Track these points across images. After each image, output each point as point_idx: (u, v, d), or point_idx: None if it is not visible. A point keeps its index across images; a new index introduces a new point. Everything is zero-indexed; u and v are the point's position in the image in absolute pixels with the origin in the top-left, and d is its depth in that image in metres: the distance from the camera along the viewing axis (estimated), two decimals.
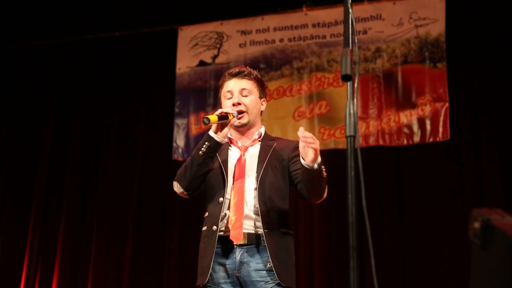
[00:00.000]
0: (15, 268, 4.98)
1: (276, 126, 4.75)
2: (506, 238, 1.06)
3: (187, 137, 5.01)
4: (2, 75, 5.61)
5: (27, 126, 5.41)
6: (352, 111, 1.60)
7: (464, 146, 4.44)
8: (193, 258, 4.60)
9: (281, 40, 4.97)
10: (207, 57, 5.12)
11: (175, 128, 5.03)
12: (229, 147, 2.52)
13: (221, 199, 2.39)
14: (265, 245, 2.32)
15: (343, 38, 1.72)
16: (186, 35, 5.20)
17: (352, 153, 1.57)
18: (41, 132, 5.32)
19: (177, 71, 5.14)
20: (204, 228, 2.44)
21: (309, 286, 4.42)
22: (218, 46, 5.11)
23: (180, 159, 4.88)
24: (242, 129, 2.53)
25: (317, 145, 2.17)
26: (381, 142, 4.55)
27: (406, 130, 4.52)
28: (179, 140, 5.01)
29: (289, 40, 4.95)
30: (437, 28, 4.59)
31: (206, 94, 5.04)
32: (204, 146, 2.38)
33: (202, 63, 5.12)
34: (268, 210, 2.36)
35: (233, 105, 2.47)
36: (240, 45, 5.06)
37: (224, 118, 2.38)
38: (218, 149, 2.41)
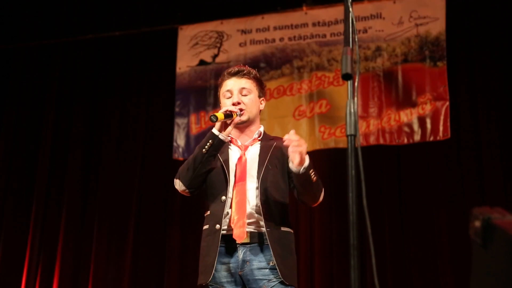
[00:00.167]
0: (15, 267, 4.98)
1: (276, 125, 4.74)
2: (506, 237, 1.06)
3: (187, 136, 5.01)
4: (2, 75, 5.61)
5: (27, 125, 5.41)
6: (352, 110, 1.60)
7: (464, 145, 4.44)
8: (193, 257, 4.61)
9: (281, 39, 4.96)
10: (207, 56, 5.12)
11: (176, 128, 5.03)
12: (229, 146, 2.53)
13: (223, 197, 2.39)
14: (268, 244, 2.33)
15: (343, 37, 1.72)
16: (186, 34, 5.20)
17: (353, 152, 1.57)
18: (41, 131, 5.32)
19: (177, 70, 5.14)
20: (206, 226, 2.44)
21: (310, 285, 4.42)
22: (218, 45, 5.11)
23: (181, 158, 4.88)
24: (241, 127, 2.53)
25: (303, 148, 2.19)
26: (381, 141, 4.55)
27: (406, 129, 4.52)
28: (180, 140, 5.01)
29: (289, 39, 4.95)
30: (437, 26, 4.59)
31: (206, 93, 5.04)
32: (208, 144, 2.38)
33: (202, 63, 5.12)
34: (270, 209, 2.37)
35: (233, 104, 2.48)
36: (240, 44, 5.06)
37: (229, 117, 2.39)
38: (221, 147, 2.42)
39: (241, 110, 2.47)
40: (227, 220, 2.37)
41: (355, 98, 1.62)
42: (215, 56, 5.10)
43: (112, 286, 4.83)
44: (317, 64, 4.85)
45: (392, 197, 4.48)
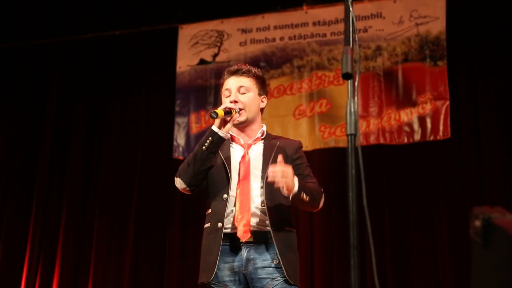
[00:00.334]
0: (15, 267, 4.98)
1: (276, 125, 4.74)
2: (507, 236, 1.06)
3: (187, 135, 5.01)
4: (2, 74, 5.61)
5: (27, 124, 5.41)
6: (352, 110, 1.60)
7: (464, 144, 4.43)
8: (193, 257, 4.61)
9: (282, 39, 4.96)
10: (207, 55, 5.12)
11: (176, 127, 5.03)
12: (231, 144, 2.53)
13: (225, 196, 2.39)
14: (272, 242, 2.33)
15: (343, 36, 1.71)
16: (187, 33, 5.20)
17: (353, 151, 1.57)
18: (42, 130, 5.33)
19: (178, 69, 5.14)
20: (207, 225, 2.44)
21: (310, 284, 4.42)
22: (219, 44, 5.11)
23: (181, 157, 4.88)
24: (242, 126, 2.53)
25: (288, 179, 2.21)
26: (381, 141, 4.55)
27: (406, 128, 4.51)
28: (180, 139, 5.01)
29: (290, 38, 4.95)
30: (437, 26, 4.58)
31: (206, 92, 5.04)
32: (208, 141, 2.38)
33: (202, 62, 5.12)
34: (274, 208, 2.37)
35: (230, 102, 2.48)
36: (240, 44, 5.06)
37: (228, 114, 2.40)
38: (221, 144, 2.42)
39: (239, 109, 2.47)
40: (231, 219, 2.36)
41: (355, 98, 1.62)
42: (215, 55, 5.10)
43: (112, 286, 4.83)
44: (317, 64, 4.85)
45: (392, 197, 4.48)
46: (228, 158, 2.46)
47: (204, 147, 2.39)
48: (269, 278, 2.31)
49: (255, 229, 2.35)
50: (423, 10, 4.65)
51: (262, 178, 2.40)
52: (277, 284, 2.30)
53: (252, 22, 5.06)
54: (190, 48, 5.16)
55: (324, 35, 4.88)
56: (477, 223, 1.15)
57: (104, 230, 4.95)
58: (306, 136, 4.65)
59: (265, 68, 4.89)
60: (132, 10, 5.46)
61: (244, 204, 2.36)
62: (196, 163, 2.40)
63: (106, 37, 5.42)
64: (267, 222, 2.35)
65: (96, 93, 5.35)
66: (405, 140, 4.51)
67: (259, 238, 2.35)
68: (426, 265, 4.28)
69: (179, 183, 2.46)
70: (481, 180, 4.30)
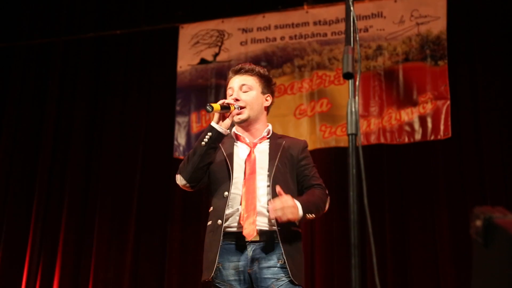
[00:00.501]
0: (16, 267, 4.98)
1: (277, 124, 4.73)
2: (508, 236, 1.06)
3: (188, 135, 5.01)
4: (3, 73, 5.61)
5: (28, 124, 5.41)
6: (353, 109, 1.60)
7: (465, 144, 4.43)
8: (194, 256, 4.62)
9: (282, 38, 4.96)
10: (208, 55, 5.12)
11: (176, 126, 5.03)
12: (235, 143, 2.52)
13: (226, 193, 2.39)
14: (278, 242, 2.32)
15: (344, 36, 1.71)
16: (187, 33, 5.20)
17: (354, 151, 1.57)
18: (42, 130, 5.32)
19: (178, 69, 5.14)
20: (209, 222, 2.43)
21: (311, 284, 4.42)
22: (219, 44, 5.11)
23: (181, 157, 4.88)
24: (246, 125, 2.53)
25: (290, 216, 2.22)
26: (382, 140, 4.55)
27: (407, 128, 4.51)
28: (180, 138, 5.01)
29: (290, 38, 4.95)
30: (438, 25, 4.58)
31: (207, 92, 5.03)
32: (207, 136, 2.39)
33: (203, 61, 5.12)
34: None
35: (232, 100, 2.48)
36: (241, 43, 5.06)
37: (226, 108, 2.40)
38: (220, 140, 2.42)
39: (241, 107, 2.47)
40: (237, 218, 2.36)
41: (356, 97, 1.62)
42: (216, 54, 5.10)
43: (112, 285, 4.83)
44: (318, 63, 4.84)
45: (393, 196, 4.48)
46: (231, 156, 2.46)
47: (203, 143, 2.39)
48: (274, 278, 2.30)
49: (261, 228, 2.34)
50: (423, 9, 4.64)
51: (269, 176, 2.40)
52: (282, 285, 2.29)
53: (253, 21, 5.06)
54: (191, 48, 5.16)
55: (325, 34, 4.88)
56: (478, 223, 1.15)
57: (104, 230, 4.95)
58: (307, 135, 4.65)
59: (266, 67, 4.84)
60: (133, 10, 5.46)
61: (250, 202, 2.35)
62: (195, 158, 2.40)
63: (107, 36, 5.42)
64: (273, 221, 2.33)
65: (97, 93, 5.35)
66: (406, 139, 4.50)
67: (265, 238, 2.34)
68: (427, 265, 4.28)
69: (179, 179, 2.46)
70: (482, 180, 4.30)
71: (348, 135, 1.60)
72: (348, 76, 1.63)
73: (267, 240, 2.34)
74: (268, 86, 2.59)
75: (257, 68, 2.59)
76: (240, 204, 2.37)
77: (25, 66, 5.56)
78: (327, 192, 2.48)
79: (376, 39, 4.73)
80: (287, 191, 2.38)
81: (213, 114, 2.45)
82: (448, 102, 4.44)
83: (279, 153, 2.45)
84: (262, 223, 2.35)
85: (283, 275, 2.30)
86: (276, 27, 4.99)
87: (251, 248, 2.34)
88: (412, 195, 4.45)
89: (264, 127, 2.56)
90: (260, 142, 2.52)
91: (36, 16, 5.65)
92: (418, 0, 4.69)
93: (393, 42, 4.68)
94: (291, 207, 2.23)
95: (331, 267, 4.44)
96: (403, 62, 4.64)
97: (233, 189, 2.39)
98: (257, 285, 2.32)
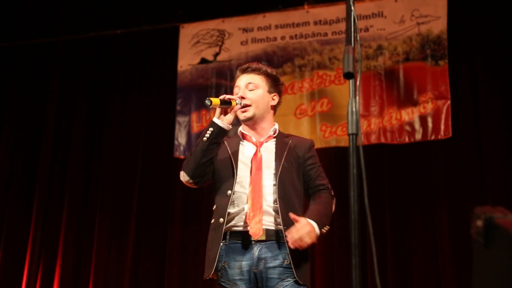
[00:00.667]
0: (16, 267, 4.98)
1: (277, 124, 4.74)
2: (508, 236, 1.06)
3: (188, 134, 5.01)
4: (3, 73, 5.61)
5: (28, 123, 5.41)
6: (354, 109, 1.60)
7: (466, 144, 4.43)
8: (194, 256, 4.62)
9: (283, 38, 4.96)
10: (208, 54, 5.12)
11: (177, 126, 5.03)
12: (241, 142, 2.52)
13: (229, 191, 2.39)
14: (283, 242, 2.31)
15: (345, 36, 1.71)
16: (188, 32, 5.20)
17: (354, 150, 1.57)
18: (43, 129, 5.32)
19: (179, 68, 5.14)
20: (212, 220, 2.43)
21: (311, 284, 4.41)
22: (220, 43, 5.11)
23: (182, 156, 4.88)
24: (252, 123, 2.52)
25: (307, 241, 2.23)
26: (382, 140, 4.55)
27: (407, 127, 4.51)
28: (181, 138, 5.01)
29: (291, 37, 4.95)
30: (438, 25, 4.58)
31: (207, 91, 5.03)
32: (208, 132, 2.39)
33: (203, 61, 5.12)
34: (287, 207, 2.35)
35: (238, 98, 2.48)
36: (241, 43, 5.06)
37: (226, 104, 2.39)
38: (222, 135, 2.42)
39: (245, 105, 2.47)
40: (243, 217, 2.35)
41: (357, 97, 1.62)
42: (217, 54, 5.10)
43: (112, 285, 4.83)
44: (318, 63, 4.84)
45: (393, 196, 4.48)
46: (235, 155, 2.46)
47: (205, 138, 2.39)
48: (280, 278, 2.29)
49: (267, 227, 2.34)
50: (424, 9, 4.64)
51: (276, 175, 2.39)
52: (287, 285, 2.29)
53: (253, 21, 5.06)
54: (191, 47, 5.16)
55: (326, 34, 4.88)
56: (479, 223, 1.15)
57: (105, 230, 4.95)
58: (307, 135, 4.64)
59: None
60: (133, 9, 5.46)
61: (256, 201, 2.34)
62: (198, 154, 2.40)
63: (107, 36, 5.42)
64: (279, 220, 2.33)
65: (97, 92, 5.35)
66: (406, 139, 4.50)
67: (271, 237, 2.34)
68: (427, 265, 4.28)
69: (183, 176, 2.46)
70: (482, 180, 4.29)
71: (348, 134, 1.59)
72: (348, 75, 1.63)
73: (273, 239, 2.33)
74: (275, 85, 2.59)
75: (264, 67, 2.59)
76: (246, 203, 2.36)
77: (25, 66, 5.56)
78: (332, 193, 2.48)
79: (377, 38, 4.72)
80: (294, 190, 2.38)
81: (215, 112, 2.45)
82: (449, 102, 4.43)
83: (286, 152, 2.45)
84: (268, 222, 2.34)
85: (288, 275, 2.30)
86: (276, 26, 4.99)
87: (257, 247, 2.33)
88: (412, 195, 4.45)
89: (271, 126, 2.57)
90: (266, 141, 2.52)
91: (36, 16, 5.65)
92: None
93: (394, 42, 4.68)
94: (308, 233, 2.22)
95: (331, 267, 4.44)
96: (404, 61, 4.64)
97: (238, 188, 2.39)
98: (262, 285, 2.31)
